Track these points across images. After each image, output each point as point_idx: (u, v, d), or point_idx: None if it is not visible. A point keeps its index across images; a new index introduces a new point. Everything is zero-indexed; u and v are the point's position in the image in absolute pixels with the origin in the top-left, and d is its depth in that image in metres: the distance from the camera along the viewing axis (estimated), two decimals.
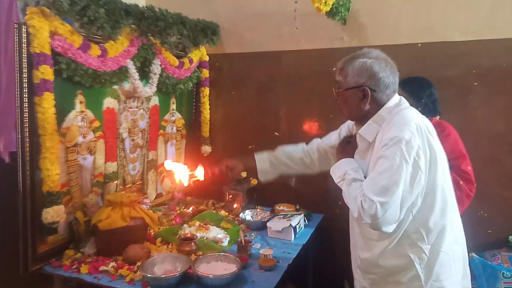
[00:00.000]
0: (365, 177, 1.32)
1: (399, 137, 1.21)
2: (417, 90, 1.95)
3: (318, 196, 2.59)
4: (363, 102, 1.33)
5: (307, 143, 1.78)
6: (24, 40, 1.58)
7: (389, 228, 1.22)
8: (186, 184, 1.81)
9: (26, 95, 1.62)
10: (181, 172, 1.82)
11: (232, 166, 1.74)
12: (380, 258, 1.33)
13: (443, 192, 1.29)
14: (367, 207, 1.21)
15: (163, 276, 1.62)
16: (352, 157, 1.43)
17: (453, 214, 1.33)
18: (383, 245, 1.32)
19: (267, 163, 1.73)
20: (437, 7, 2.27)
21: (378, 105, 1.34)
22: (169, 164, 1.99)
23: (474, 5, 2.20)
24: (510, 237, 2.18)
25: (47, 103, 1.64)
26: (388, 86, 1.32)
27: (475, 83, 2.24)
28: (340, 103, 1.40)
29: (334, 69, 2.51)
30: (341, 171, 1.38)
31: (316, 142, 1.75)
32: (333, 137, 1.68)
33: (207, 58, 2.82)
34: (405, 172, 1.19)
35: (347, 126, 1.63)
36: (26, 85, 1.61)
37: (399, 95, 1.42)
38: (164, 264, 1.71)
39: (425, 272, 1.28)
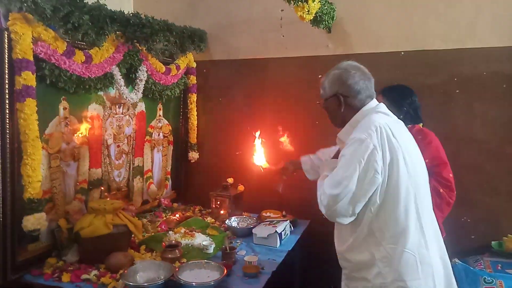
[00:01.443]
0: None
1: (356, 138, 1.34)
2: (398, 98, 1.98)
3: (304, 202, 2.58)
4: (339, 108, 1.48)
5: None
6: (6, 46, 1.57)
7: (344, 220, 1.35)
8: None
9: (8, 101, 1.60)
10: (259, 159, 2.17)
11: (286, 167, 2.00)
12: (347, 252, 1.43)
13: (408, 194, 1.33)
14: (322, 199, 1.36)
15: (145, 284, 1.60)
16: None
17: (422, 218, 1.36)
18: (349, 241, 1.41)
19: (309, 165, 1.91)
20: (418, 16, 2.32)
21: (353, 109, 1.46)
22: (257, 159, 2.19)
23: (454, 15, 2.26)
24: (493, 242, 2.21)
25: (29, 109, 1.62)
26: (359, 92, 1.45)
27: (457, 91, 2.28)
28: (326, 113, 1.56)
29: (320, 76, 2.55)
30: (324, 170, 1.51)
31: None
32: None
33: (194, 65, 2.83)
34: (358, 170, 1.30)
35: None
36: (8, 91, 1.60)
37: (381, 102, 1.50)
38: (147, 272, 1.69)
39: (386, 271, 1.33)
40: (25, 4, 1.51)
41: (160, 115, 2.69)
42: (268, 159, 2.18)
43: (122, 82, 2.14)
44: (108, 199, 2.20)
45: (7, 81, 1.59)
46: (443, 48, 2.29)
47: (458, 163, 2.09)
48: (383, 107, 1.47)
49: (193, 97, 2.86)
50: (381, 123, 1.35)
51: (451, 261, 1.95)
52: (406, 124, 1.55)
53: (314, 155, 1.93)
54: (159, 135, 2.70)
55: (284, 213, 2.52)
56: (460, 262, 2.04)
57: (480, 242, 2.27)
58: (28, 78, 1.61)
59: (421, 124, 2.07)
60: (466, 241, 2.28)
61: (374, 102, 1.48)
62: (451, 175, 1.94)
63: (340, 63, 1.51)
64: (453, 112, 2.30)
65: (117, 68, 2.10)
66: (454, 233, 2.02)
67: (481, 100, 2.25)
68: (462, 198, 2.18)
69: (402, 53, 2.36)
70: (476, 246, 2.26)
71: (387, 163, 1.31)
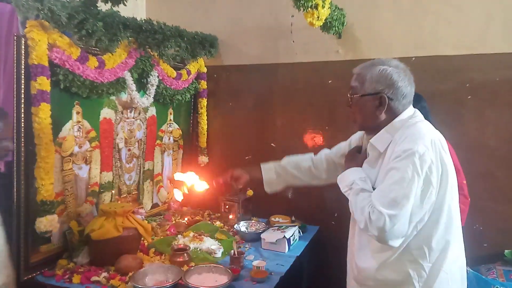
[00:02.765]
0: (372, 187, 1.30)
1: (412, 150, 1.18)
2: None
3: (314, 208, 2.59)
4: (378, 110, 1.31)
5: (315, 153, 1.73)
6: (23, 52, 1.62)
7: (396, 242, 1.20)
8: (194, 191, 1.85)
9: (23, 105, 1.65)
10: (190, 181, 1.88)
11: (238, 176, 1.68)
12: (378, 271, 1.30)
13: (449, 210, 1.25)
14: (375, 219, 1.18)
15: (154, 287, 1.62)
16: (361, 166, 1.40)
17: (456, 234, 1.30)
18: (382, 258, 1.29)
19: (274, 174, 1.67)
20: (429, 22, 2.31)
21: (392, 114, 1.31)
22: (178, 176, 2.01)
23: (465, 21, 2.24)
24: (506, 251, 2.17)
25: (44, 113, 1.66)
26: (405, 96, 1.31)
27: (469, 97, 2.26)
28: (353, 110, 1.37)
29: (330, 81, 2.54)
30: (348, 181, 1.35)
31: (324, 152, 1.70)
32: (342, 148, 1.64)
33: (205, 70, 2.85)
34: (416, 186, 1.17)
35: (358, 137, 1.58)
36: (23, 96, 1.65)
37: None
38: (156, 275, 1.71)
39: None
40: (42, 12, 1.56)
41: (170, 120, 2.72)
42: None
43: (133, 87, 2.18)
44: (119, 202, 2.23)
45: (23, 86, 1.64)
46: (454, 54, 2.27)
47: (470, 170, 2.06)
48: (420, 115, 1.35)
49: (203, 102, 2.88)
50: (434, 135, 1.25)
51: None
52: None
53: (280, 162, 1.70)
54: (169, 139, 2.73)
55: (293, 218, 2.52)
56: (472, 271, 2.01)
57: (493, 251, 2.23)
58: (43, 83, 1.65)
59: None
60: (478, 249, 2.24)
61: (411, 109, 1.35)
62: (464, 181, 1.91)
63: (385, 58, 1.33)
64: (465, 119, 2.27)
65: (129, 73, 2.14)
66: (466, 241, 1.97)
67: (493, 107, 2.22)
68: (474, 206, 2.15)
69: (413, 58, 2.34)
70: (489, 255, 2.22)
71: (439, 179, 1.21)
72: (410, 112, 1.34)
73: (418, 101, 2.02)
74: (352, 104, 1.36)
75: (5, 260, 1.14)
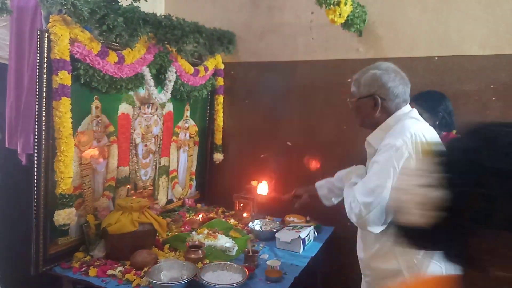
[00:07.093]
0: None
1: (390, 144, 1.31)
2: (432, 104, 1.91)
3: (329, 208, 2.54)
4: (374, 110, 1.43)
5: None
6: (46, 46, 1.64)
7: (375, 229, 1.31)
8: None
9: (45, 99, 1.67)
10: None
11: (299, 195, 1.85)
12: (372, 260, 1.42)
13: None
14: (353, 207, 1.32)
15: (169, 282, 1.62)
16: None
17: None
18: (375, 248, 1.40)
19: (326, 190, 1.78)
20: (454, 20, 2.24)
21: (387, 113, 1.43)
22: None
23: (493, 19, 2.16)
24: None
25: (64, 107, 1.68)
26: (397, 96, 1.41)
27: (493, 98, 2.18)
28: (354, 112, 1.51)
29: (349, 80, 2.50)
30: (349, 177, 1.50)
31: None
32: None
33: (222, 66, 2.84)
34: (392, 177, 1.28)
35: None
36: (45, 90, 1.67)
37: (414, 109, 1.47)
38: (171, 271, 1.72)
39: None
40: (65, 7, 1.57)
41: (187, 116, 2.72)
42: (275, 187, 2.14)
43: (152, 82, 2.18)
44: (134, 197, 2.24)
45: (45, 80, 1.66)
46: (480, 53, 2.19)
47: None
48: (415, 112, 1.45)
49: (220, 99, 2.88)
50: (416, 129, 1.33)
51: None
52: (441, 130, 1.51)
53: (331, 178, 1.79)
54: (185, 135, 2.73)
55: (308, 218, 2.49)
56: None
57: None
58: (64, 77, 1.67)
59: (454, 131, 1.99)
60: None
61: (407, 107, 1.45)
62: None
63: (378, 63, 1.46)
64: (489, 121, 2.19)
65: (147, 68, 2.14)
66: None
67: None
68: None
69: (436, 58, 2.28)
70: None
71: None
72: (405, 110, 1.43)
73: (442, 100, 1.99)
74: (352, 107, 1.51)
75: None
